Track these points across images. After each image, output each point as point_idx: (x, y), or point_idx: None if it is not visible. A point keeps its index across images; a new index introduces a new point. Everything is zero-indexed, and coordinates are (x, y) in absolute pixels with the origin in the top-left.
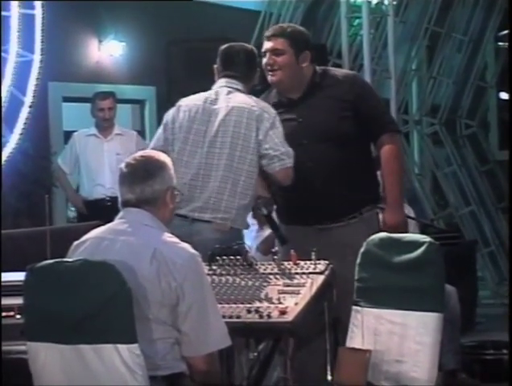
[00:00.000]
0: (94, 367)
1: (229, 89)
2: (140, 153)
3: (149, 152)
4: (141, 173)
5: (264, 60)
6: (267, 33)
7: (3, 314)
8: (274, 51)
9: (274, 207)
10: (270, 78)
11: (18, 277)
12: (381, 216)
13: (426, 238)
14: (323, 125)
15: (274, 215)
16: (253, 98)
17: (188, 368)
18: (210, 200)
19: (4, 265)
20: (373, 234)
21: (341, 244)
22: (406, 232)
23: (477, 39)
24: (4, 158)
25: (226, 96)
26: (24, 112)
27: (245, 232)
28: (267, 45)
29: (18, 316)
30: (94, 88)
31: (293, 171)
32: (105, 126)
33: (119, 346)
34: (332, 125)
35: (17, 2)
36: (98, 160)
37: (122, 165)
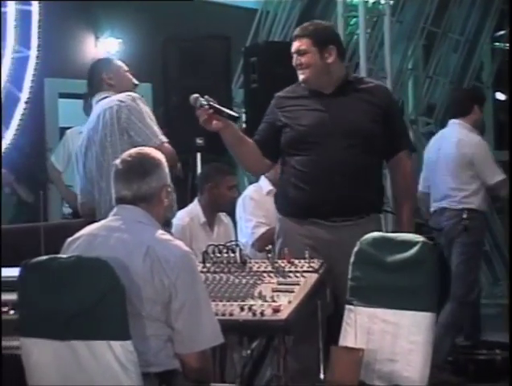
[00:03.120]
0: (87, 364)
1: None
2: (135, 150)
3: (144, 149)
4: (138, 170)
5: (293, 60)
6: (294, 33)
7: None
8: (299, 52)
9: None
10: (300, 76)
11: (13, 272)
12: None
13: (419, 237)
14: (354, 124)
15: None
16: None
17: (181, 365)
18: None
19: None
20: None
21: (348, 241)
22: None
23: (474, 39)
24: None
25: None
26: (20, 109)
27: (240, 228)
28: (293, 46)
29: (11, 312)
30: None
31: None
32: None
33: (112, 342)
34: (363, 125)
35: None
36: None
37: (117, 161)
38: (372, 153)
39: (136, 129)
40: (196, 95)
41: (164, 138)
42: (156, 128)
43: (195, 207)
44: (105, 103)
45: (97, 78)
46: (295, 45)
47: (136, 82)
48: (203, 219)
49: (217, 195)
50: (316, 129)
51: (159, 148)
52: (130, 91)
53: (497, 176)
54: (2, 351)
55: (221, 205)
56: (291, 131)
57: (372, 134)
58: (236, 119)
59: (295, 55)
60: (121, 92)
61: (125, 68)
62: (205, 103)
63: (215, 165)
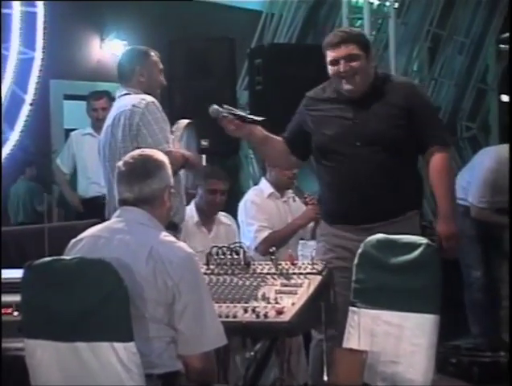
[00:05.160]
0: (90, 365)
1: None
2: (138, 151)
3: (147, 150)
4: (140, 172)
5: (334, 68)
6: (333, 40)
7: (1, 311)
8: (349, 57)
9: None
10: (345, 86)
11: (17, 273)
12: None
13: (423, 240)
14: (379, 131)
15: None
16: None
17: (184, 367)
18: None
19: (2, 262)
20: (415, 234)
21: None
22: (458, 244)
23: (479, 41)
24: (5, 154)
25: None
26: (25, 110)
27: (242, 232)
28: (340, 52)
29: (15, 313)
30: (95, 86)
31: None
32: (99, 126)
33: (115, 344)
34: (387, 132)
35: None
36: (94, 158)
37: (120, 163)
38: (398, 155)
39: (142, 136)
40: (216, 106)
41: (168, 147)
42: (163, 135)
43: (191, 207)
44: (122, 104)
45: (130, 68)
46: (343, 51)
47: (165, 83)
48: (196, 218)
49: (203, 197)
50: (340, 138)
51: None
52: (156, 93)
53: None
54: (6, 352)
55: (208, 208)
56: (316, 140)
57: (395, 140)
58: (259, 122)
59: (342, 62)
60: (146, 91)
61: (160, 67)
62: (227, 114)
63: (207, 167)
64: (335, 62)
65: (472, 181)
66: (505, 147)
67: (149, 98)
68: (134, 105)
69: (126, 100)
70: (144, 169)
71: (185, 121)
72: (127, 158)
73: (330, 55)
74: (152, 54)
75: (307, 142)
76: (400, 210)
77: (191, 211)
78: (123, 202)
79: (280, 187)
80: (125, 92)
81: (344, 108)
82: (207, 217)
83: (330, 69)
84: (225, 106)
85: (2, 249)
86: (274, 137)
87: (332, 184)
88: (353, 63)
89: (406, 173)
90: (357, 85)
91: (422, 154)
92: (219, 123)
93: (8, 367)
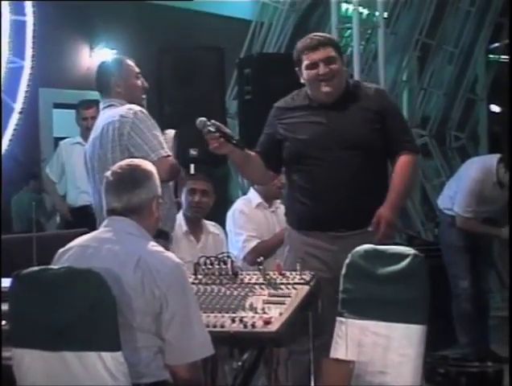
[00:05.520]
0: (78, 375)
1: None
2: (126, 161)
3: (135, 160)
4: (128, 182)
5: (311, 72)
6: (311, 43)
7: None
8: (328, 60)
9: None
10: (324, 88)
11: (5, 283)
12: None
13: (411, 250)
14: (355, 135)
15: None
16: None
17: (172, 376)
18: None
19: None
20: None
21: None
22: (393, 233)
23: (468, 51)
24: None
25: None
26: (14, 119)
27: (230, 241)
28: (319, 55)
29: (3, 322)
30: (85, 95)
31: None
32: (89, 135)
33: (103, 353)
34: (364, 135)
35: (8, 9)
36: (83, 168)
37: (108, 173)
38: (374, 161)
39: (136, 146)
40: (203, 119)
41: (165, 152)
42: (158, 140)
43: (179, 216)
44: (108, 115)
45: (105, 81)
46: (322, 53)
47: (146, 85)
48: (185, 228)
49: (185, 201)
50: (315, 143)
51: (156, 163)
52: (139, 98)
53: None
54: None
55: (190, 211)
56: (290, 145)
57: (372, 144)
58: (243, 148)
59: (321, 64)
60: (130, 100)
61: (136, 72)
62: (213, 129)
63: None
64: (313, 65)
65: (458, 191)
66: (491, 157)
67: (135, 107)
68: (122, 116)
69: (112, 112)
70: (132, 179)
71: (172, 131)
72: (115, 167)
73: (308, 58)
74: (125, 61)
75: (279, 154)
76: (371, 218)
77: (179, 220)
78: (111, 212)
79: (268, 197)
80: (108, 103)
81: (317, 113)
82: (194, 224)
83: (306, 74)
84: (212, 121)
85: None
86: (252, 153)
87: (306, 188)
88: (332, 66)
89: (379, 179)
90: (336, 88)
91: (391, 159)
92: (203, 136)
93: None
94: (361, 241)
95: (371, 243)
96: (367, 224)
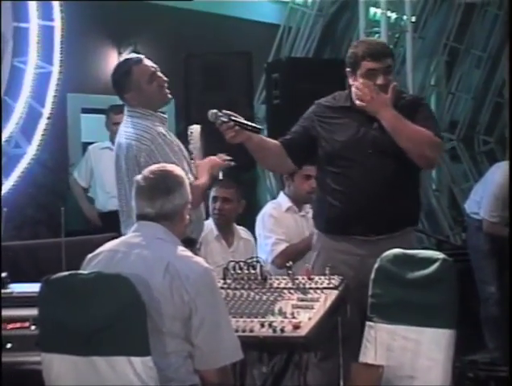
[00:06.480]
0: (107, 379)
1: None
2: (157, 166)
3: (166, 166)
4: (161, 187)
5: (370, 80)
6: (375, 51)
7: (18, 325)
8: (387, 70)
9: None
10: None
11: (34, 288)
12: None
13: (440, 255)
14: (391, 142)
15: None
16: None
17: (201, 381)
18: None
19: (20, 276)
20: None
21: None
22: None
23: (496, 55)
24: (22, 169)
25: None
26: (42, 124)
27: (259, 245)
28: (380, 64)
29: (32, 327)
30: (113, 100)
31: None
32: None
33: (132, 358)
34: (396, 144)
35: (36, 14)
36: (112, 172)
37: (139, 177)
38: (407, 169)
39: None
40: (215, 111)
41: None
42: (182, 166)
43: (209, 221)
44: (126, 131)
45: (117, 90)
46: (383, 64)
47: (169, 96)
48: (216, 232)
49: (210, 208)
50: (352, 145)
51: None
52: (157, 105)
53: None
54: (23, 366)
55: (213, 217)
56: (326, 146)
57: (406, 153)
58: (259, 131)
59: (381, 75)
60: (146, 107)
61: (149, 74)
62: (226, 119)
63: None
64: (372, 74)
65: (484, 195)
66: None
67: (154, 130)
68: (138, 140)
69: (130, 129)
70: (165, 185)
71: (198, 127)
72: (146, 173)
73: (369, 65)
74: (133, 66)
75: (307, 148)
76: (402, 223)
77: (210, 225)
78: (143, 217)
79: (298, 201)
80: (128, 111)
81: (358, 117)
82: (224, 230)
83: (362, 80)
84: (224, 111)
85: (16, 263)
86: (270, 140)
87: (338, 190)
88: (390, 76)
89: (410, 185)
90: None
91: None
92: (218, 128)
93: (26, 381)
94: (388, 246)
95: (399, 248)
96: (395, 230)
